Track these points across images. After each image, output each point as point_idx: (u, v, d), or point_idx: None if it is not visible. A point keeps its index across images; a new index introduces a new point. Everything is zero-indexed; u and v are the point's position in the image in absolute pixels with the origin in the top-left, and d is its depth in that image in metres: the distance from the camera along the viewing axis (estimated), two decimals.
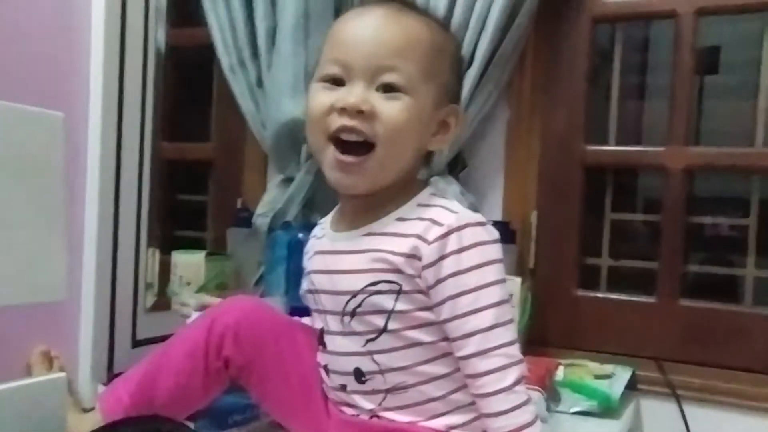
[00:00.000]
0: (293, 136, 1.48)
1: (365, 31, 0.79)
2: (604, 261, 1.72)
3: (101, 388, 1.06)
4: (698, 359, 1.48)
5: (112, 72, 1.08)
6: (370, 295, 0.78)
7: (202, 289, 1.46)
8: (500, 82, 1.55)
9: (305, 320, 0.97)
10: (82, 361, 1.08)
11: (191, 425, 0.95)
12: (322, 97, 0.79)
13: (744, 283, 1.67)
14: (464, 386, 0.79)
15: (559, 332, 1.59)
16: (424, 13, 0.85)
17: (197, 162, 1.66)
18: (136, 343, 1.17)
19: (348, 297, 0.80)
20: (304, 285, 0.91)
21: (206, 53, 1.53)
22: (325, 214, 1.57)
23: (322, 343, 0.86)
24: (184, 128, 1.50)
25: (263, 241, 1.54)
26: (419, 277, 0.77)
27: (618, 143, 1.71)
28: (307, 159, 1.51)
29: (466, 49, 1.44)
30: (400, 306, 0.77)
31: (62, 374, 0.82)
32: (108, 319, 1.11)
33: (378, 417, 0.82)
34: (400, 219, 0.80)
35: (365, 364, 0.80)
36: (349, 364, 0.82)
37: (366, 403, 0.82)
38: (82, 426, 0.85)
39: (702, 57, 1.57)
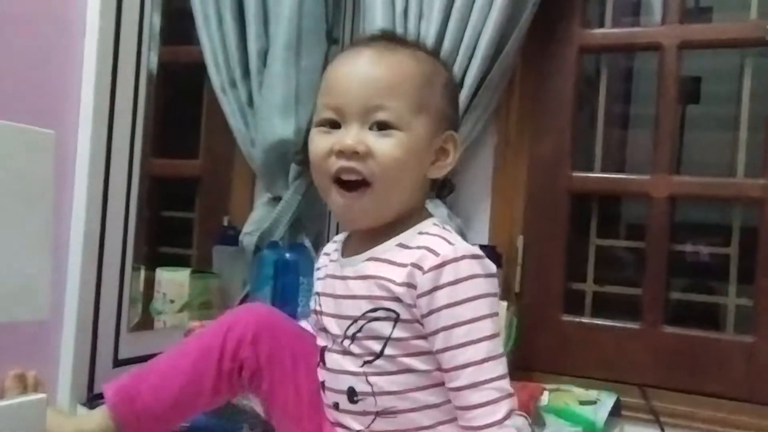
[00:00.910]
0: (282, 155, 1.48)
1: (354, 74, 0.82)
2: (588, 286, 1.73)
3: (81, 409, 1.05)
4: (681, 386, 1.49)
5: (104, 90, 1.07)
6: (369, 321, 0.80)
7: (186, 307, 1.45)
8: (489, 108, 1.57)
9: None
10: (62, 380, 1.06)
11: None
12: (321, 141, 0.82)
13: (726, 311, 1.69)
14: (453, 419, 0.79)
15: (544, 357, 1.59)
16: (413, 45, 0.88)
17: (184, 178, 1.66)
18: (118, 363, 1.16)
19: (350, 322, 0.82)
20: (312, 304, 0.93)
21: (197, 71, 1.53)
22: (312, 235, 1.60)
23: (323, 360, 0.87)
24: (172, 144, 1.50)
25: (249, 259, 1.53)
26: (414, 306, 0.78)
27: (603, 170, 1.73)
28: (295, 179, 1.51)
29: (455, 75, 1.45)
30: (397, 333, 0.79)
31: (42, 395, 0.80)
32: (90, 338, 1.10)
33: None
34: (400, 245, 0.82)
35: (359, 385, 0.82)
36: (345, 382, 0.83)
37: (355, 424, 0.83)
38: (91, 422, 0.86)
39: (683, 87, 1.59)
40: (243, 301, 1.54)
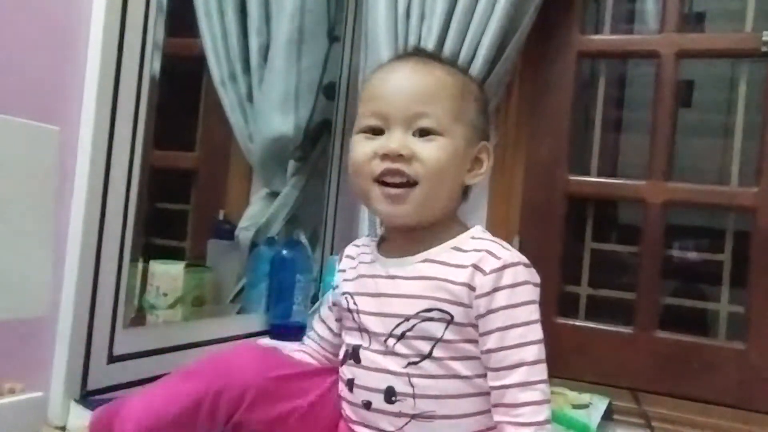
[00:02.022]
0: (281, 151, 1.47)
1: (398, 83, 0.87)
2: (583, 289, 1.73)
3: (74, 406, 1.03)
4: (673, 391, 1.51)
5: (107, 84, 1.05)
6: (423, 321, 0.82)
7: (179, 302, 1.44)
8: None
9: (293, 346, 0.98)
10: (56, 376, 1.04)
11: None
12: (365, 145, 0.86)
13: (718, 317, 1.70)
14: (485, 430, 0.81)
15: None
16: (447, 61, 0.93)
17: (180, 171, 1.64)
18: (113, 359, 1.14)
19: (399, 320, 0.83)
20: (342, 303, 0.92)
21: (196, 63, 1.51)
22: (308, 231, 1.59)
23: (355, 359, 0.87)
24: (168, 136, 1.48)
25: (245, 254, 1.52)
26: (471, 306, 0.80)
27: (600, 174, 1.74)
28: (293, 175, 1.50)
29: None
30: (449, 335, 0.81)
31: (39, 393, 0.79)
32: (85, 333, 1.08)
33: None
34: (455, 248, 0.84)
35: (400, 385, 0.82)
36: (384, 381, 0.83)
37: (386, 425, 0.83)
38: None
39: (676, 90, 1.61)
40: (237, 296, 1.54)
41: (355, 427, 0.87)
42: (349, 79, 1.68)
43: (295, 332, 1.43)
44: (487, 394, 0.81)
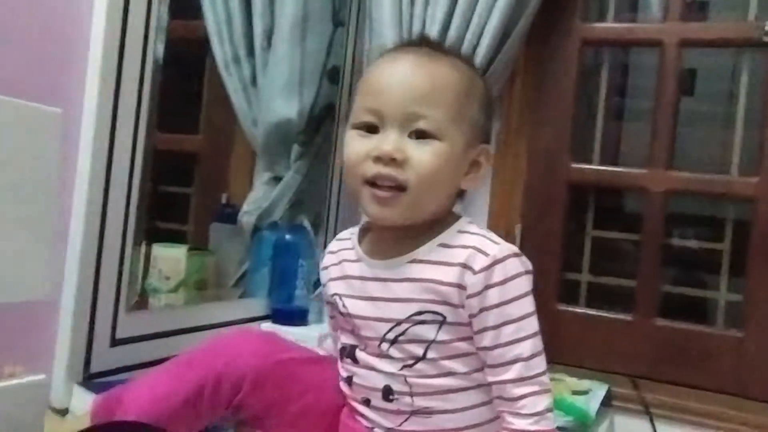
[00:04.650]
0: (284, 136, 1.47)
1: (396, 79, 0.82)
2: (584, 277, 1.74)
3: (77, 389, 1.04)
4: (671, 378, 1.52)
5: (110, 67, 1.04)
6: (415, 324, 0.81)
7: (181, 285, 1.44)
8: None
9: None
10: (59, 359, 1.05)
11: None
12: (358, 144, 0.83)
13: (717, 306, 1.71)
14: (485, 422, 0.82)
15: None
16: (455, 54, 0.88)
17: (183, 154, 1.63)
18: (115, 342, 1.15)
19: (391, 324, 0.82)
20: (334, 304, 0.90)
21: (200, 46, 1.50)
22: (311, 216, 1.59)
23: (351, 358, 0.87)
24: (172, 119, 1.47)
25: (248, 239, 1.52)
26: (462, 306, 0.79)
27: (602, 162, 1.74)
28: (297, 159, 1.50)
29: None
30: (442, 336, 0.80)
31: (41, 376, 0.79)
32: (88, 317, 1.08)
33: None
34: (442, 245, 0.82)
35: (396, 385, 0.82)
36: (380, 381, 0.83)
37: (386, 422, 0.84)
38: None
39: (679, 79, 1.61)
40: (239, 280, 1.54)
41: (357, 418, 0.87)
42: (353, 63, 1.67)
43: (297, 317, 1.43)
44: (486, 386, 0.81)
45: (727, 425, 1.41)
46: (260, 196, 1.53)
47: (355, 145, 0.83)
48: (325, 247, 1.61)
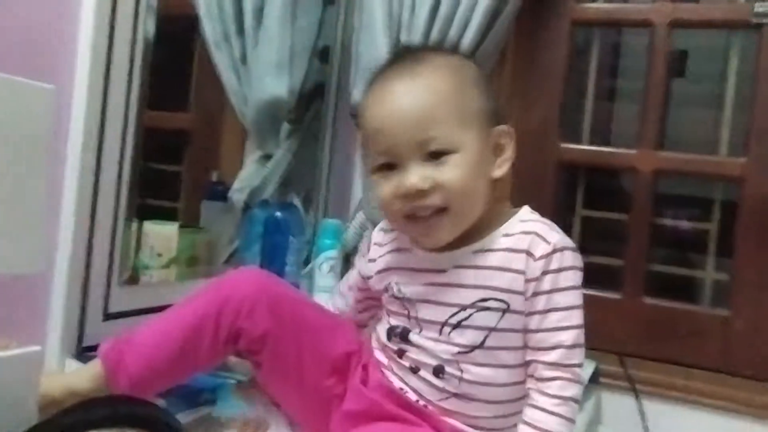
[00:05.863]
0: (275, 114, 1.47)
1: (396, 112, 0.83)
2: None
3: (70, 362, 1.05)
4: (658, 356, 1.55)
5: (101, 44, 1.04)
6: (479, 310, 0.83)
7: (173, 262, 1.45)
8: None
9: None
10: (52, 332, 1.06)
11: (162, 403, 0.95)
12: (385, 186, 0.85)
13: (704, 285, 1.73)
14: (509, 415, 0.84)
15: None
16: (437, 51, 0.91)
17: (174, 131, 1.63)
18: (108, 316, 1.15)
19: (456, 309, 0.84)
20: (393, 289, 0.91)
21: (191, 23, 1.49)
22: (302, 193, 1.59)
23: (403, 339, 0.88)
24: (162, 97, 1.47)
25: (238, 216, 1.52)
26: (522, 292, 0.81)
27: (591, 142, 1.75)
28: (287, 137, 1.50)
29: (449, 44, 1.44)
30: (503, 324, 0.82)
31: (37, 348, 0.80)
32: (81, 290, 1.09)
33: (425, 406, 0.85)
34: (506, 235, 0.84)
35: (450, 367, 0.84)
36: (434, 360, 0.85)
37: (428, 394, 0.85)
38: (82, 379, 0.87)
39: (670, 60, 1.62)
40: (230, 257, 1.55)
41: (391, 377, 0.89)
42: (344, 42, 1.66)
43: None
44: (523, 383, 0.83)
45: (713, 402, 1.44)
46: (251, 174, 1.53)
47: (382, 188, 0.85)
48: (315, 224, 1.65)
